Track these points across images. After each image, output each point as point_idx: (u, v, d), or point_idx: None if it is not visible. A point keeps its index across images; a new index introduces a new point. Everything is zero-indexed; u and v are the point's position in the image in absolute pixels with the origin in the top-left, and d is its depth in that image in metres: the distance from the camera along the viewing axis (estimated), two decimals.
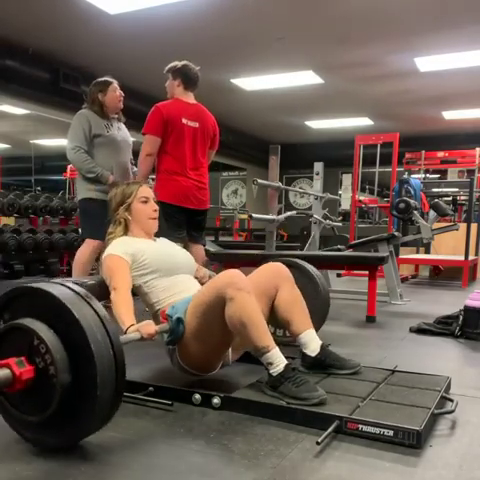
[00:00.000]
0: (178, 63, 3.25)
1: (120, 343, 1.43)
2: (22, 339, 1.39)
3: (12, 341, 1.41)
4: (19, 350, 1.38)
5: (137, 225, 2.18)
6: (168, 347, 1.95)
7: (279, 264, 2.12)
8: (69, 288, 1.44)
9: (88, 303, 1.40)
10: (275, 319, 2.06)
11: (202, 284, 2.18)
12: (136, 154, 3.87)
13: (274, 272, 2.07)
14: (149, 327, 1.73)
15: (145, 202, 2.19)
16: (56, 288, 1.43)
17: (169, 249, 2.25)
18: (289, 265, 2.28)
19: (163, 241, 2.31)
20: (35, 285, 1.45)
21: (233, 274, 1.79)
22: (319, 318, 2.61)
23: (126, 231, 2.18)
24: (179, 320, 1.84)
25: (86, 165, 3.24)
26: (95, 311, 1.39)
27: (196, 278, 2.23)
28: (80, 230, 3.50)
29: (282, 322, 2.04)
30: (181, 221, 3.18)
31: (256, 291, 1.86)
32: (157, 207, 2.24)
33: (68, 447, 1.43)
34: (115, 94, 3.37)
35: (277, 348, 1.76)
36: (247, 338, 1.75)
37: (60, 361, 1.34)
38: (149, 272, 2.03)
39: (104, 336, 1.37)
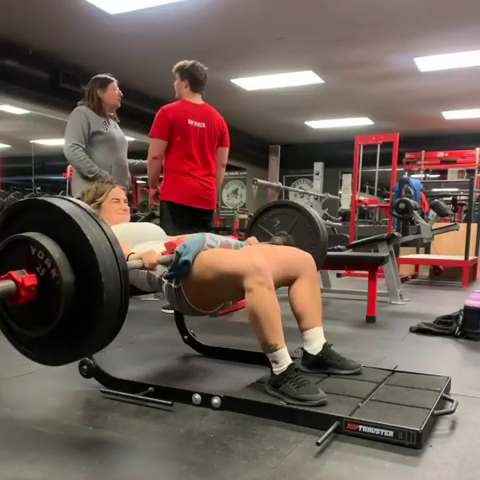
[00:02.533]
0: (186, 63, 3.25)
1: (127, 268, 1.40)
2: (20, 252, 1.35)
3: (11, 257, 1.38)
4: (19, 264, 1.35)
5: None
6: (173, 287, 1.88)
7: (309, 255, 2.11)
8: (76, 204, 1.38)
9: (95, 220, 1.36)
10: (291, 307, 2.04)
11: None
12: (134, 154, 3.88)
13: (302, 258, 2.06)
14: (151, 255, 1.72)
15: (116, 202, 2.21)
16: (66, 205, 1.37)
17: (130, 223, 2.23)
18: (291, 207, 2.27)
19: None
20: (40, 198, 1.40)
21: (259, 264, 1.72)
22: (317, 262, 2.59)
23: None
24: (186, 263, 1.78)
25: (85, 164, 3.21)
26: (104, 232, 1.35)
27: None
28: None
29: (295, 313, 2.03)
30: (188, 220, 3.19)
31: (277, 263, 1.86)
32: (127, 208, 2.27)
33: (65, 364, 1.45)
34: (114, 92, 3.37)
35: (285, 347, 1.76)
36: (259, 331, 1.74)
37: (60, 261, 1.31)
38: None
39: (113, 262, 1.33)
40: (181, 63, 3.28)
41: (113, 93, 3.37)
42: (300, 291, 2.02)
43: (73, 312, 1.34)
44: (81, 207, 1.38)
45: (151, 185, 3.34)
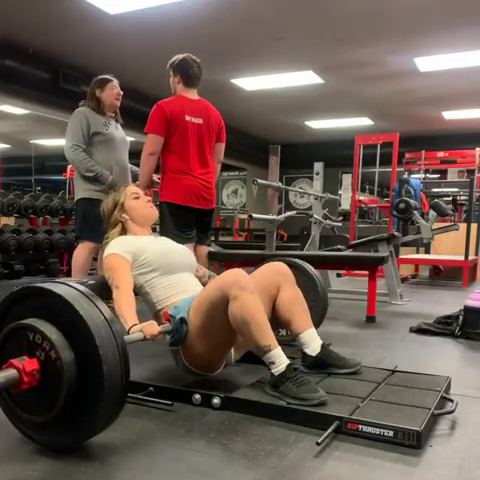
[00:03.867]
0: (177, 57, 3.17)
1: (125, 343, 1.43)
2: (19, 340, 1.39)
3: (11, 346, 1.41)
4: (19, 351, 1.38)
5: (135, 222, 2.19)
6: (171, 348, 1.94)
7: (281, 263, 2.13)
8: (73, 287, 1.43)
9: (93, 302, 1.39)
10: (276, 318, 2.06)
11: (202, 284, 2.18)
12: (134, 155, 3.87)
13: (276, 271, 2.07)
14: (152, 327, 1.73)
15: (137, 198, 2.22)
16: (60, 287, 1.42)
17: (170, 246, 2.25)
18: (288, 265, 2.28)
19: (163, 239, 2.32)
20: (38, 285, 1.44)
21: (236, 273, 1.79)
22: (318, 318, 2.62)
23: (123, 233, 2.18)
24: (182, 320, 1.83)
25: (85, 164, 3.21)
26: (100, 311, 1.39)
27: (197, 278, 2.23)
28: (78, 230, 3.45)
29: (283, 321, 2.05)
30: (190, 221, 3.10)
31: (258, 289, 1.86)
32: (150, 198, 2.29)
33: (73, 447, 1.44)
34: (113, 92, 3.36)
35: (279, 347, 1.77)
36: (250, 337, 1.75)
37: (58, 341, 1.34)
38: (150, 271, 2.03)
39: (110, 336, 1.36)
40: (173, 58, 3.19)
41: (111, 92, 3.36)
42: (282, 299, 2.03)
43: (76, 391, 1.36)
44: (72, 287, 1.42)
45: (143, 186, 3.14)
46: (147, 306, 2.13)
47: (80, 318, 1.33)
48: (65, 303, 1.36)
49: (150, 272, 2.03)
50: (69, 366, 1.34)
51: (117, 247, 2.03)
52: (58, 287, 1.41)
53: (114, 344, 1.36)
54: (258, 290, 1.86)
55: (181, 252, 2.24)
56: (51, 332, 1.35)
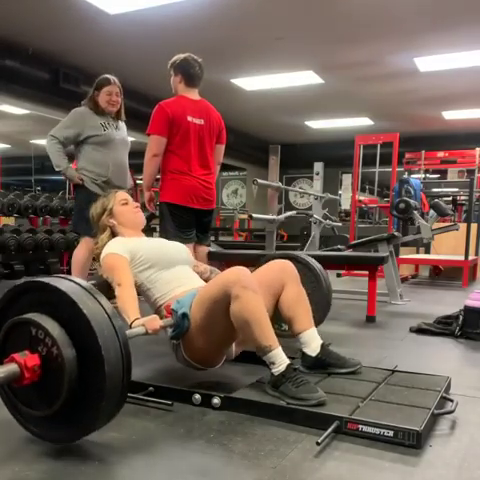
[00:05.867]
0: (179, 57, 3.16)
1: (126, 337, 1.42)
2: (22, 334, 1.38)
3: (14, 340, 1.41)
4: (21, 345, 1.38)
5: (123, 226, 2.22)
6: (172, 342, 1.95)
7: (286, 261, 2.13)
8: (76, 283, 1.42)
9: (96, 299, 1.39)
10: (279, 315, 2.07)
11: (204, 280, 2.19)
12: (135, 154, 3.87)
13: (281, 269, 2.07)
14: (154, 322, 1.75)
15: (125, 204, 2.25)
16: (63, 283, 1.41)
17: (162, 243, 2.30)
18: (292, 259, 2.29)
19: (156, 238, 2.34)
20: (41, 279, 1.44)
21: (239, 272, 1.78)
22: (321, 313, 2.63)
23: (112, 237, 2.21)
24: (184, 315, 1.84)
25: (56, 156, 3.26)
26: (103, 308, 1.38)
27: (197, 273, 2.24)
28: (74, 225, 3.54)
29: (285, 319, 2.06)
30: (190, 221, 3.10)
31: (262, 286, 1.87)
32: (138, 204, 2.31)
33: (74, 442, 1.44)
34: (106, 97, 3.31)
35: (280, 347, 1.77)
36: (251, 336, 1.75)
37: (60, 338, 1.34)
38: (148, 267, 2.06)
39: (112, 334, 1.36)
40: (174, 58, 3.18)
41: (104, 98, 3.30)
42: (285, 297, 2.03)
43: (77, 388, 1.35)
44: (77, 283, 1.42)
45: (146, 187, 3.19)
46: (148, 303, 2.14)
47: (83, 317, 1.33)
48: (69, 301, 1.35)
49: (148, 269, 2.06)
50: (70, 363, 1.33)
51: (114, 247, 2.06)
52: (61, 283, 1.41)
53: (116, 343, 1.36)
54: (262, 286, 1.87)
55: (174, 247, 2.27)
56: (53, 328, 1.35)
